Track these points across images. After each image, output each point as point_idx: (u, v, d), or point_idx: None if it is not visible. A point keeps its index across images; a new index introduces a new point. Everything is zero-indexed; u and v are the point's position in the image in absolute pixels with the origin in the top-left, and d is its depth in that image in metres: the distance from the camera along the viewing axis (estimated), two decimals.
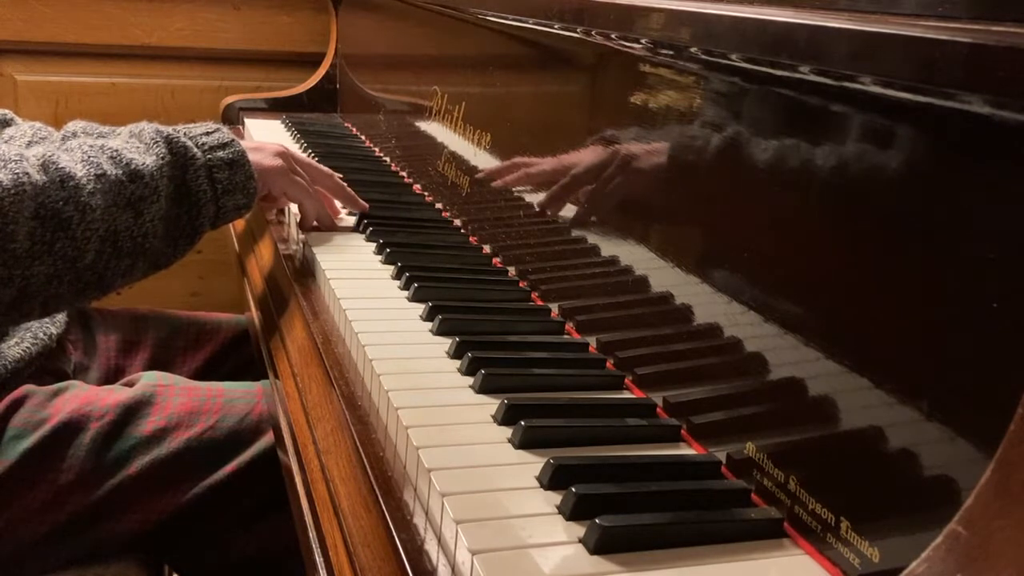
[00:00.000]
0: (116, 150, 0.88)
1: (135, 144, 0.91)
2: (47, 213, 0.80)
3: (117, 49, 1.95)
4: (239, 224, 1.33)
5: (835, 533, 0.54)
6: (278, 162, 1.07)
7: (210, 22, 1.98)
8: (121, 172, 0.86)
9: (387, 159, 1.52)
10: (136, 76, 1.97)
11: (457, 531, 0.55)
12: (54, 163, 0.83)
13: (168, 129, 0.94)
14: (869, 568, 0.52)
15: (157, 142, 0.91)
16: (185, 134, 0.95)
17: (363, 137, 1.70)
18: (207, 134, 0.97)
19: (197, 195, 0.93)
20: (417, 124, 1.38)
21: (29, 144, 1.15)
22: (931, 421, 0.49)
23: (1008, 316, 0.45)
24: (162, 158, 0.90)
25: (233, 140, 0.98)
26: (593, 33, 0.83)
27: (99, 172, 0.85)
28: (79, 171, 0.84)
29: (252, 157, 0.99)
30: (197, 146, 0.94)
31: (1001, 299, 0.45)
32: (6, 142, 1.17)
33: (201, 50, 1.98)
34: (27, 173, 0.79)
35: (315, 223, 1.13)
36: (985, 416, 0.45)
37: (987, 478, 0.40)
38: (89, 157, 0.86)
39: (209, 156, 0.94)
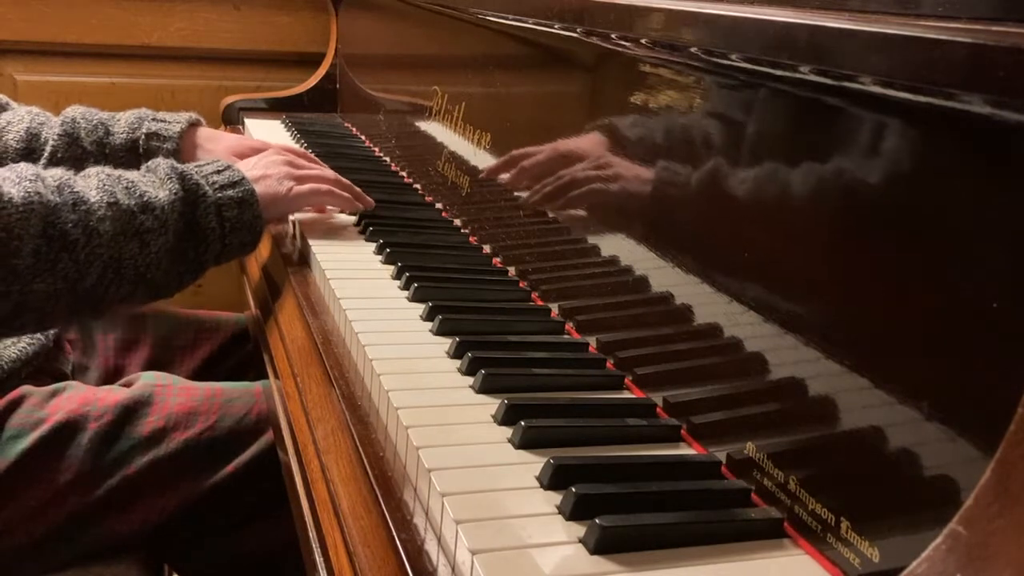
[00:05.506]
0: (132, 181, 0.91)
1: (151, 179, 0.93)
2: (55, 232, 0.82)
3: (117, 49, 1.94)
4: None
5: (835, 533, 0.54)
6: (285, 187, 1.07)
7: (210, 22, 1.98)
8: (133, 203, 0.89)
9: (387, 159, 1.52)
10: (136, 76, 1.97)
11: (457, 531, 0.55)
12: (69, 186, 0.86)
13: (181, 166, 0.96)
14: (869, 568, 0.52)
15: (171, 177, 0.94)
16: (197, 172, 0.96)
17: (363, 137, 1.70)
18: (218, 172, 0.98)
19: (205, 232, 0.94)
20: (417, 124, 1.38)
21: (28, 132, 1.16)
22: (931, 421, 0.49)
23: (1008, 316, 0.45)
24: (175, 193, 0.92)
25: (243, 179, 0.99)
26: (593, 33, 0.83)
27: (112, 200, 0.87)
28: (92, 196, 0.86)
29: (260, 188, 1.01)
30: (208, 184, 0.96)
31: (1001, 299, 0.45)
32: (3, 128, 1.17)
33: (201, 50, 1.98)
34: (39, 193, 0.82)
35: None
36: (985, 416, 0.45)
37: (987, 478, 0.40)
38: (104, 184, 0.88)
39: (219, 194, 0.96)
